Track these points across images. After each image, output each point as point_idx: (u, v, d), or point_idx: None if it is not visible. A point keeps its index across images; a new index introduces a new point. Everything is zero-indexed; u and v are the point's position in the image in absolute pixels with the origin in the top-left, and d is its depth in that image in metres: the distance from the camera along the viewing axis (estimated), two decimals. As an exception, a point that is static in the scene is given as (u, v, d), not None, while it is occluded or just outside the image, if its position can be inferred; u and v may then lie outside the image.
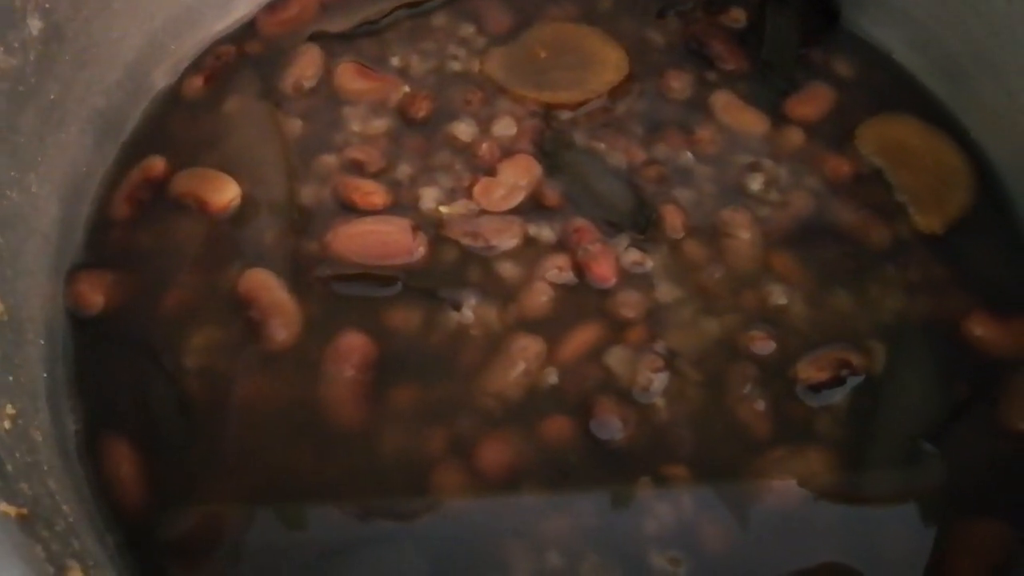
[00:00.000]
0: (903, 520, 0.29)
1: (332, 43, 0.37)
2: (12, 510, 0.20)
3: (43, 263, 0.28)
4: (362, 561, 0.27)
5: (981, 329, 0.32)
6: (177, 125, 0.34)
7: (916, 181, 0.35)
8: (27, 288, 0.26)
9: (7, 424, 0.21)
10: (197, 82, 0.35)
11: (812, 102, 0.37)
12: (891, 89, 0.37)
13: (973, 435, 0.30)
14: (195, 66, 0.36)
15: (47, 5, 0.27)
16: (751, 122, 0.36)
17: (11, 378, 0.23)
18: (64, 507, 0.25)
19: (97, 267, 0.31)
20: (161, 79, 0.35)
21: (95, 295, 0.30)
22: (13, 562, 0.20)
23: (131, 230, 0.32)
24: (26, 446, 0.23)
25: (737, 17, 0.39)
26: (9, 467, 0.22)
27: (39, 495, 0.23)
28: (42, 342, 0.27)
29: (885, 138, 0.36)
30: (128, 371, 0.29)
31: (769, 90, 0.37)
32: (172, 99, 0.35)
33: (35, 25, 0.27)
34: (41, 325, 0.27)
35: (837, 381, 0.30)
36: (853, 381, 0.30)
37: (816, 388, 0.30)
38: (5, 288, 0.24)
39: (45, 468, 0.25)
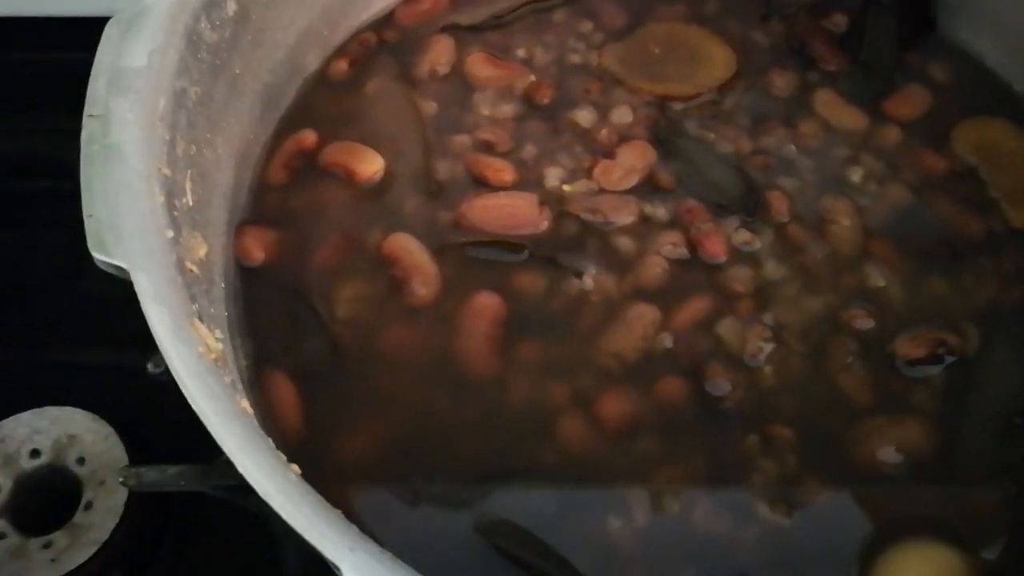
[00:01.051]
0: (995, 487, 0.31)
1: (463, 34, 0.40)
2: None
3: (222, 216, 0.32)
4: (496, 494, 0.30)
5: (1071, 317, 0.34)
6: (325, 103, 0.38)
7: (1009, 179, 0.37)
8: (214, 236, 0.30)
9: (220, 346, 0.24)
10: (342, 65, 0.39)
11: (909, 102, 0.39)
12: (985, 94, 0.40)
13: (1064, 412, 0.32)
14: (341, 51, 0.39)
15: (240, -12, 0.31)
16: (851, 119, 0.39)
17: (212, 311, 0.26)
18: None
19: (258, 224, 0.34)
20: (313, 62, 0.38)
21: (256, 249, 0.34)
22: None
23: (287, 194, 0.36)
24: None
25: (838, 21, 0.41)
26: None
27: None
28: (223, 285, 0.31)
29: (980, 139, 0.38)
30: (286, 316, 0.33)
31: (868, 90, 0.39)
32: (321, 79, 0.39)
33: (231, 7, 0.30)
34: (222, 269, 0.31)
35: (934, 359, 0.33)
36: (949, 359, 0.33)
37: (913, 363, 0.33)
38: (203, 233, 0.28)
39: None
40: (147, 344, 0.45)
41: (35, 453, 0.49)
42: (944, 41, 0.41)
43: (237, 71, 0.32)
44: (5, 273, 0.56)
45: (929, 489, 0.30)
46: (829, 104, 0.39)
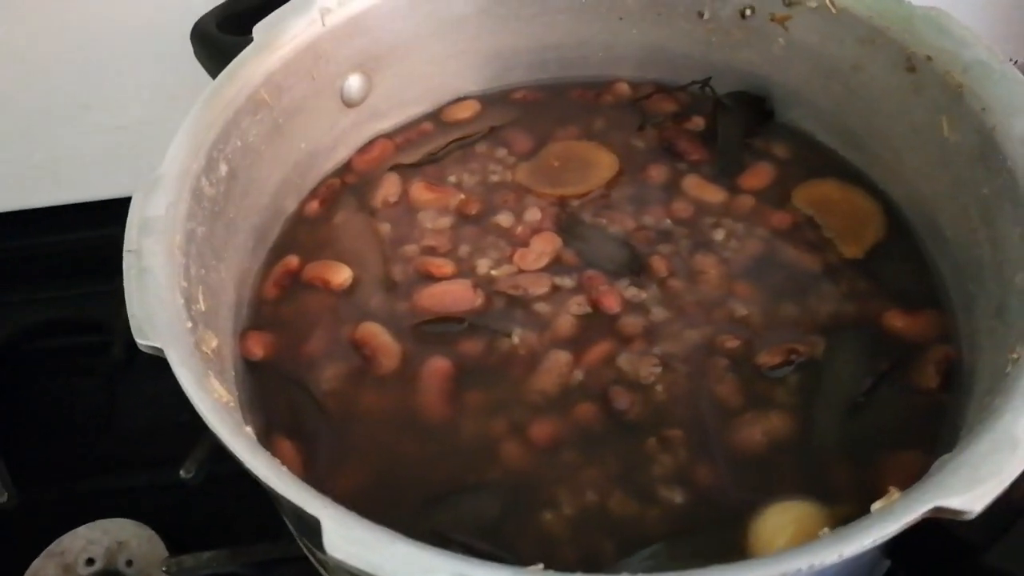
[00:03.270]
0: (847, 457, 0.39)
1: (406, 171, 0.51)
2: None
3: (228, 323, 0.42)
4: (453, 504, 0.38)
5: (896, 321, 0.43)
6: (303, 234, 0.49)
7: (839, 222, 0.47)
8: (223, 336, 0.40)
9: (230, 396, 0.33)
10: (314, 205, 0.50)
11: (757, 176, 0.49)
12: (816, 160, 0.50)
13: (893, 393, 0.40)
14: (312, 194, 0.50)
15: (229, 156, 0.42)
16: (713, 194, 0.49)
17: (225, 388, 0.36)
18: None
19: (258, 329, 0.44)
20: (291, 204, 0.49)
21: (257, 348, 0.43)
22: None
23: (278, 305, 0.46)
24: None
25: (697, 123, 0.52)
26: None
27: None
28: (233, 372, 0.40)
29: (814, 195, 0.48)
30: (284, 395, 0.42)
31: (724, 171, 0.50)
32: (299, 217, 0.49)
33: (223, 168, 0.41)
34: (231, 362, 0.41)
35: (788, 363, 0.41)
36: (800, 361, 0.41)
37: (772, 368, 0.41)
38: (214, 331, 0.38)
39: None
40: (174, 461, 0.54)
41: (90, 561, 0.57)
42: (781, 126, 0.52)
43: (232, 215, 0.43)
44: (52, 415, 0.66)
45: (793, 461, 0.38)
46: (695, 185, 0.49)
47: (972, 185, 0.40)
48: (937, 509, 0.27)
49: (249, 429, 0.31)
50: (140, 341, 0.32)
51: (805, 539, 0.35)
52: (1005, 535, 0.28)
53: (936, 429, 0.39)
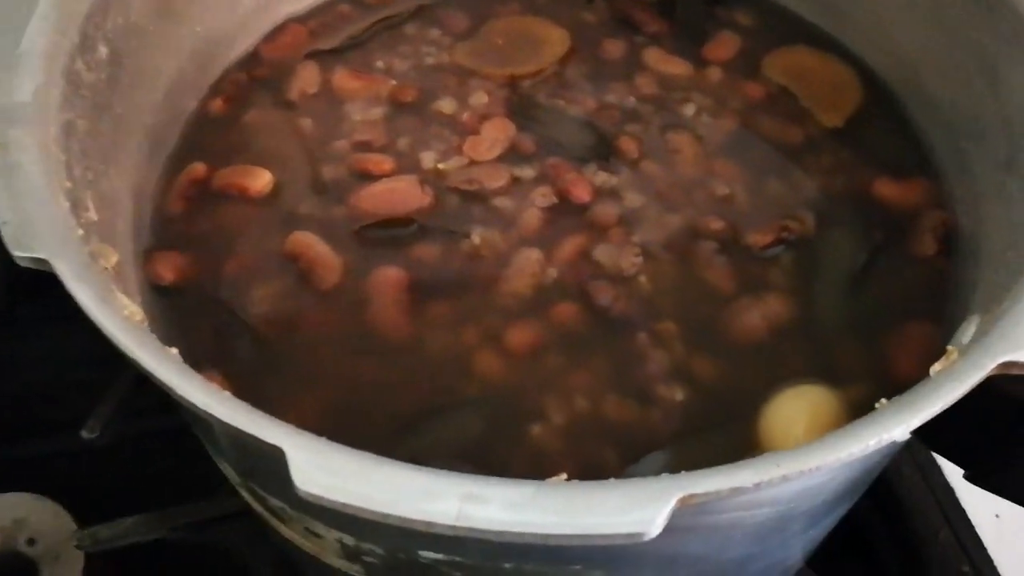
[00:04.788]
0: (853, 335, 0.35)
1: (325, 58, 0.44)
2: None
3: (129, 241, 0.34)
4: (430, 428, 0.32)
5: (885, 190, 0.39)
6: (209, 137, 0.41)
7: (816, 91, 0.43)
8: (124, 255, 0.32)
9: (142, 312, 0.27)
10: (218, 103, 0.42)
11: (723, 46, 0.45)
12: (784, 28, 0.45)
13: (892, 264, 0.37)
14: (214, 90, 0.43)
15: (109, 34, 0.34)
16: (677, 67, 0.44)
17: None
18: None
19: (165, 249, 0.37)
20: (190, 103, 0.41)
21: (166, 271, 0.36)
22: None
23: (188, 221, 0.38)
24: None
25: None
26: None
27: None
28: (140, 299, 0.33)
29: (785, 64, 0.44)
30: (208, 324, 0.35)
31: (688, 43, 0.45)
32: (201, 117, 0.42)
33: (103, 51, 0.33)
34: (136, 287, 0.33)
35: (780, 242, 0.38)
36: (792, 239, 0.38)
37: (764, 248, 0.37)
38: (111, 245, 0.31)
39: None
40: (70, 425, 0.47)
41: (-16, 544, 0.49)
42: (742, -7, 0.47)
43: (119, 111, 0.35)
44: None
45: (796, 346, 0.35)
46: (657, 59, 0.44)
47: (969, 35, 0.37)
48: (1005, 364, 0.23)
49: (174, 350, 0.25)
50: (18, 253, 0.25)
51: (822, 425, 0.32)
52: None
53: (942, 296, 0.36)
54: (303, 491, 0.21)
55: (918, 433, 0.31)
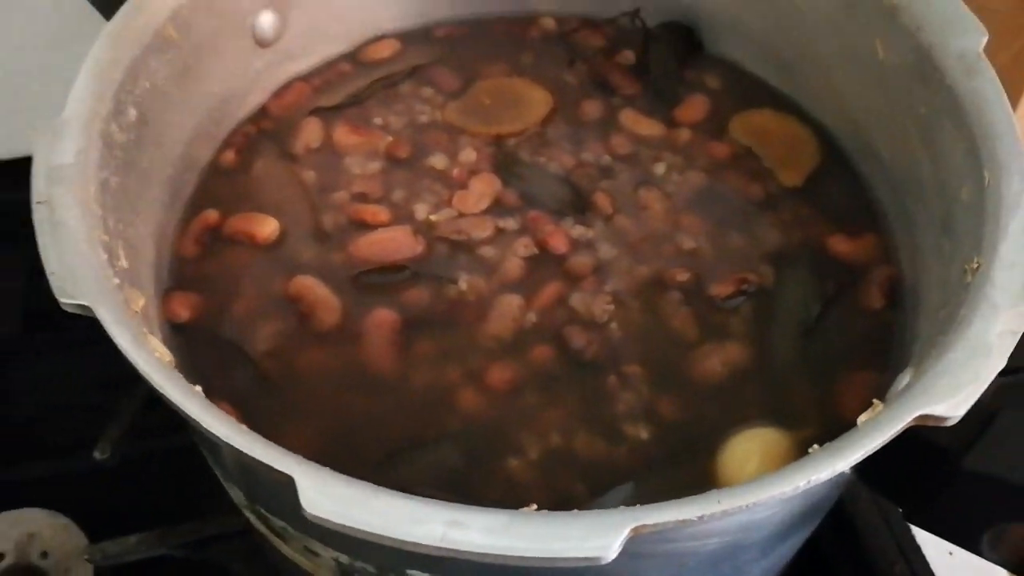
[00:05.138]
0: (805, 380, 0.39)
1: (327, 114, 0.48)
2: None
3: (151, 283, 0.38)
4: (413, 459, 0.36)
5: (839, 245, 0.43)
6: (221, 186, 0.45)
7: (777, 151, 0.47)
8: (147, 297, 0.36)
9: (170, 355, 0.30)
10: (230, 155, 0.46)
11: (693, 108, 0.49)
12: (749, 91, 0.49)
13: (842, 316, 0.41)
14: (227, 143, 0.46)
15: (138, 99, 0.38)
16: (650, 128, 0.48)
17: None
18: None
19: (181, 289, 0.41)
20: (205, 154, 0.45)
21: (182, 310, 0.40)
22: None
23: (200, 263, 0.42)
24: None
25: (628, 56, 0.51)
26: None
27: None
28: (160, 336, 0.36)
29: (750, 126, 0.48)
30: (218, 358, 0.39)
31: (660, 105, 0.49)
32: (214, 168, 0.45)
33: (132, 113, 0.37)
34: (157, 325, 0.37)
35: (740, 293, 0.41)
36: (751, 290, 0.41)
37: (726, 299, 0.41)
38: (138, 289, 0.34)
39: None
40: (79, 446, 0.50)
41: (-1, 556, 0.52)
42: (712, 57, 0.51)
43: (145, 165, 0.39)
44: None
45: (753, 390, 0.38)
46: (631, 120, 0.48)
47: (909, 105, 0.41)
48: (922, 417, 0.27)
49: (198, 388, 0.28)
50: (64, 300, 0.28)
51: (773, 464, 0.35)
52: (979, 440, 0.29)
53: (886, 347, 0.40)
54: (310, 514, 0.24)
55: (860, 475, 0.35)
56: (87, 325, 0.61)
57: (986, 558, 0.31)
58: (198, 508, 0.51)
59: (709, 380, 0.39)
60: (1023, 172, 0.33)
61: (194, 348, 0.39)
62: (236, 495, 0.36)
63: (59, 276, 0.28)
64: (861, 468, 0.33)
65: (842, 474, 0.28)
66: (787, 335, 0.40)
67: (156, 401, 0.53)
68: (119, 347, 0.28)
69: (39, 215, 0.30)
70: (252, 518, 0.37)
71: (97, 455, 0.51)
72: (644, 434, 0.37)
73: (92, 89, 0.35)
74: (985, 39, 0.37)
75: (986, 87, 0.36)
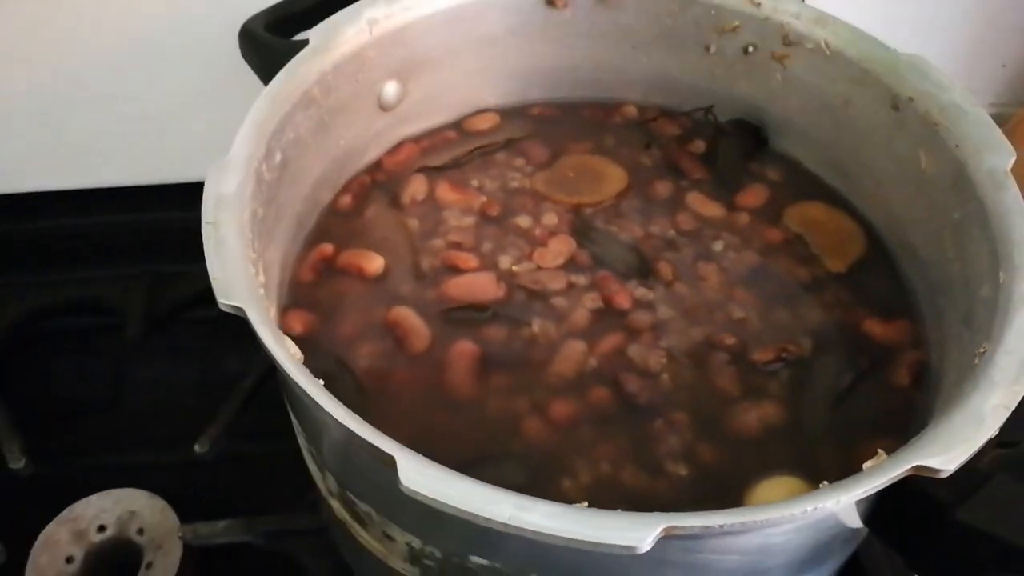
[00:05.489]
0: (831, 442, 0.44)
1: (432, 173, 0.55)
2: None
3: (275, 301, 0.45)
4: (481, 470, 0.41)
5: (874, 328, 0.48)
6: (337, 225, 0.53)
7: (825, 240, 0.52)
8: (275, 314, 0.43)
9: (300, 354, 0.37)
10: (347, 199, 0.54)
11: (753, 196, 0.55)
12: (805, 186, 0.55)
13: (871, 389, 0.45)
14: (345, 189, 0.54)
15: (284, 146, 0.46)
16: (713, 210, 0.54)
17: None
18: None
19: (296, 308, 0.48)
20: (327, 197, 0.53)
21: (296, 324, 0.47)
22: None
23: (314, 288, 0.49)
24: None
25: (699, 146, 0.57)
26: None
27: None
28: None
29: (803, 216, 0.54)
30: (324, 370, 0.45)
31: (723, 191, 0.55)
32: (333, 209, 0.53)
33: (278, 157, 0.45)
34: (278, 335, 0.44)
35: (780, 360, 0.46)
36: (790, 359, 0.46)
37: (766, 364, 0.46)
38: (272, 307, 0.41)
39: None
40: (181, 440, 0.57)
41: (102, 528, 0.59)
42: (775, 154, 0.57)
43: (280, 201, 0.46)
44: (63, 393, 0.68)
45: (783, 446, 0.43)
46: (696, 201, 0.54)
47: (945, 211, 0.46)
48: (918, 467, 0.32)
49: (321, 382, 0.35)
50: (223, 301, 0.35)
51: None
52: (974, 495, 0.33)
53: (907, 421, 0.44)
54: (407, 488, 0.30)
55: (871, 527, 0.39)
56: (196, 335, 0.69)
57: (978, 611, 0.35)
58: (279, 505, 0.57)
59: (745, 433, 0.44)
60: (1033, 275, 0.38)
61: (305, 358, 0.46)
62: (328, 483, 0.42)
63: (220, 282, 0.36)
64: (872, 520, 0.38)
65: (854, 528, 0.33)
66: (818, 401, 0.45)
67: (252, 406, 0.61)
68: (262, 342, 0.34)
69: (207, 232, 0.38)
70: (337, 505, 0.43)
71: (197, 448, 0.58)
72: (683, 471, 0.42)
73: (252, 136, 0.43)
74: (1013, 159, 0.43)
75: (1009, 200, 0.41)
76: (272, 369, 0.52)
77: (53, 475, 0.62)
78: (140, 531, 0.58)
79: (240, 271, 0.37)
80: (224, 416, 0.59)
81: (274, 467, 0.54)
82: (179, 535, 0.55)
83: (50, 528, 0.58)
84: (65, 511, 0.58)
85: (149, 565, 0.56)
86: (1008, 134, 0.44)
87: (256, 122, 0.44)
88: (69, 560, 0.56)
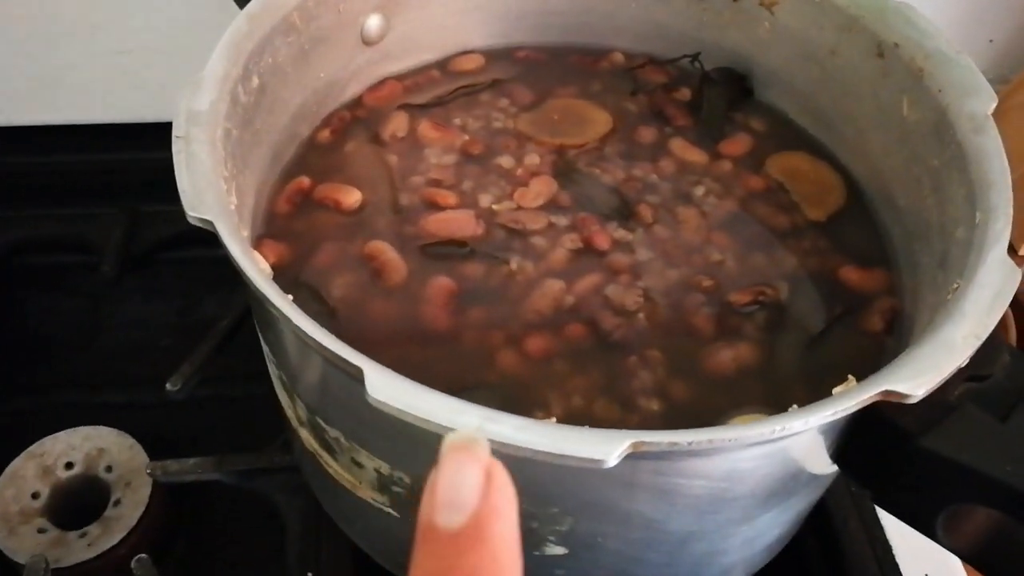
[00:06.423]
0: (803, 383, 0.44)
1: (414, 111, 0.55)
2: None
3: (247, 228, 0.45)
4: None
5: (850, 275, 0.48)
6: (315, 159, 0.52)
7: (806, 189, 0.52)
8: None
9: (270, 268, 0.37)
10: (326, 133, 0.53)
11: (736, 145, 0.55)
12: (788, 136, 0.55)
13: (844, 334, 0.46)
14: (324, 123, 0.54)
15: (261, 70, 0.45)
16: (696, 156, 0.54)
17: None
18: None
19: (270, 238, 0.47)
20: (305, 130, 0.52)
21: (269, 255, 0.46)
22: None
23: (290, 219, 0.49)
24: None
25: (685, 94, 0.57)
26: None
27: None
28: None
29: (785, 165, 0.54)
30: (297, 298, 0.45)
31: (707, 138, 0.55)
32: (312, 142, 0.53)
33: (255, 81, 0.44)
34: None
35: (756, 303, 0.46)
36: (767, 302, 0.46)
37: (742, 306, 0.46)
38: (245, 228, 0.41)
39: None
40: (155, 380, 0.57)
41: (69, 465, 0.59)
42: (759, 103, 0.57)
43: (257, 127, 0.45)
44: (37, 329, 0.68)
45: (756, 385, 0.43)
46: (680, 147, 0.54)
47: (925, 158, 0.46)
48: (887, 392, 0.32)
49: (290, 297, 0.34)
50: (191, 214, 0.35)
51: None
52: (940, 424, 0.33)
53: (879, 365, 0.44)
54: (374, 399, 0.30)
55: (839, 462, 0.39)
56: (175, 276, 0.69)
57: (940, 543, 0.36)
58: (251, 446, 0.57)
59: (718, 371, 0.44)
60: (1008, 214, 0.38)
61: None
62: (298, 410, 0.42)
63: (189, 195, 0.35)
64: (840, 457, 0.38)
65: (823, 462, 0.33)
66: (792, 343, 0.45)
67: (228, 349, 0.60)
68: (231, 255, 0.34)
69: (177, 147, 0.37)
70: (307, 435, 0.43)
71: (168, 387, 0.58)
72: (655, 407, 0.42)
73: (228, 55, 0.42)
74: (994, 103, 0.43)
75: (988, 143, 0.41)
76: (248, 311, 0.52)
77: (24, 411, 0.62)
78: (108, 468, 0.57)
79: (210, 184, 0.36)
80: (198, 356, 0.58)
81: (248, 410, 0.54)
82: (148, 471, 0.54)
83: (17, 462, 0.57)
84: (34, 445, 0.58)
85: (117, 502, 0.56)
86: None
87: (233, 41, 0.43)
88: (35, 496, 0.56)
